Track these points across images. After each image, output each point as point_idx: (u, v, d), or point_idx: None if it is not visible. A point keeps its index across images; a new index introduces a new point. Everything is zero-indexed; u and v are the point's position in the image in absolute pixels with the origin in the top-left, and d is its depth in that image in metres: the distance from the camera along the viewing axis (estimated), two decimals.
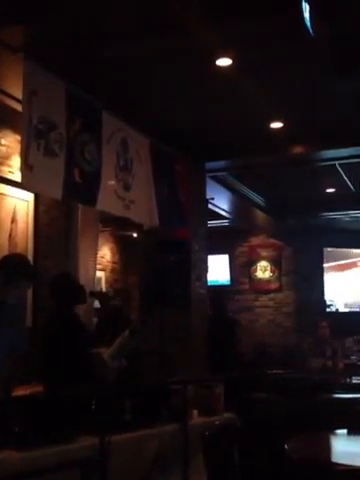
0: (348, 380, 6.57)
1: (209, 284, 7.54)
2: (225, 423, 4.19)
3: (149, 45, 4.65)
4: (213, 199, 8.70)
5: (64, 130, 4.45)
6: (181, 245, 6.31)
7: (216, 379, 4.76)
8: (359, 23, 4.43)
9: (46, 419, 3.19)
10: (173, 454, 3.74)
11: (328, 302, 11.41)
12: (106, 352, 4.39)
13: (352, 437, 3.77)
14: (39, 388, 3.84)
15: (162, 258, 5.64)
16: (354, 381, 6.49)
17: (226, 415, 4.39)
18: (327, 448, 3.66)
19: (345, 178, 8.40)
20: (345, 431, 3.83)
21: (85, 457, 3.11)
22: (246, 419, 4.29)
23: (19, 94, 4.30)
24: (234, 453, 3.52)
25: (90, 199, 4.85)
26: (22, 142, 4.09)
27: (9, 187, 5.18)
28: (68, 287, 4.27)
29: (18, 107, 4.46)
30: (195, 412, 4.24)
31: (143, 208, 5.56)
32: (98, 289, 7.12)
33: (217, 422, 4.13)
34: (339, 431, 3.85)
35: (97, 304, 4.91)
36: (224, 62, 4.96)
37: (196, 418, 4.19)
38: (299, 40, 4.61)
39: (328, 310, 11.32)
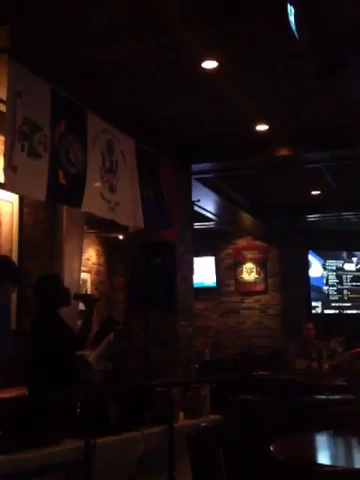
0: (333, 381, 6.58)
1: (195, 286, 7.55)
2: (211, 425, 4.19)
3: (134, 47, 4.66)
4: (199, 201, 8.70)
5: (49, 131, 4.42)
6: (167, 247, 6.31)
7: (202, 381, 4.75)
8: (341, 26, 4.46)
9: (31, 422, 3.17)
10: (159, 456, 3.73)
11: (313, 304, 11.47)
12: (91, 355, 4.38)
13: (337, 438, 3.78)
14: (23, 391, 3.81)
15: (148, 260, 5.63)
16: (339, 382, 6.51)
17: (212, 417, 4.39)
18: (312, 449, 3.65)
19: (330, 180, 8.44)
20: (330, 432, 3.83)
21: (70, 460, 3.09)
22: (232, 421, 4.29)
23: (3, 95, 4.27)
24: (220, 454, 3.50)
25: (75, 201, 4.82)
26: (6, 143, 4.06)
27: None
28: (52, 289, 4.24)
29: (2, 108, 4.43)
30: (181, 414, 4.24)
31: (128, 210, 5.54)
32: (83, 291, 7.10)
33: (203, 424, 4.12)
34: (324, 432, 3.85)
35: (82, 307, 4.88)
36: (210, 64, 4.97)
37: (182, 420, 4.19)
38: (284, 43, 4.64)
39: (313, 312, 11.37)
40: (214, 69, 5.02)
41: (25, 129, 4.17)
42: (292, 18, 4.31)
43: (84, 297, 4.80)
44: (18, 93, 4.15)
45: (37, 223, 5.72)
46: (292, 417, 4.73)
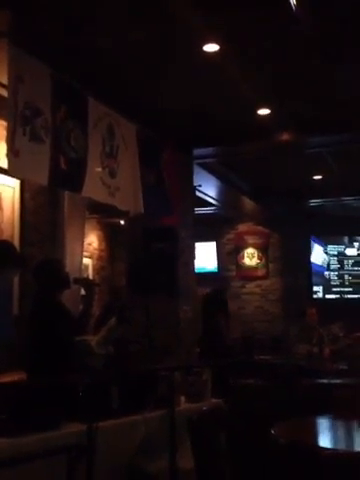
0: (334, 366, 6.61)
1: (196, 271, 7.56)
2: (212, 409, 4.21)
3: (136, 31, 4.63)
4: (200, 186, 8.69)
5: (50, 116, 4.42)
6: (168, 232, 6.31)
7: (203, 365, 4.77)
8: (345, 11, 4.44)
9: (33, 406, 3.19)
10: (160, 440, 3.74)
11: (314, 289, 11.49)
12: (93, 339, 4.39)
13: (338, 422, 3.81)
14: (24, 375, 3.84)
15: (149, 245, 5.63)
16: (340, 367, 6.53)
17: (213, 401, 4.41)
18: (313, 433, 3.68)
19: (332, 165, 8.41)
20: (331, 416, 3.86)
21: (72, 443, 3.11)
22: (233, 405, 4.31)
23: (5, 80, 4.25)
24: (221, 438, 3.53)
25: (76, 186, 4.82)
26: (8, 127, 4.05)
27: None
28: (52, 273, 4.24)
29: (4, 93, 4.41)
30: (182, 398, 4.25)
31: (128, 195, 5.53)
32: (84, 276, 7.10)
33: (204, 408, 4.14)
34: (325, 416, 3.88)
35: (83, 291, 4.89)
36: (211, 48, 4.94)
37: (183, 404, 4.21)
38: (287, 27, 4.62)
39: (314, 297, 11.39)
40: (216, 53, 4.99)
41: (27, 113, 4.17)
42: (294, 1, 4.29)
43: (84, 281, 4.80)
44: (19, 78, 4.14)
45: (38, 208, 5.71)
46: (293, 401, 4.75)
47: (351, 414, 3.82)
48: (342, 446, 3.47)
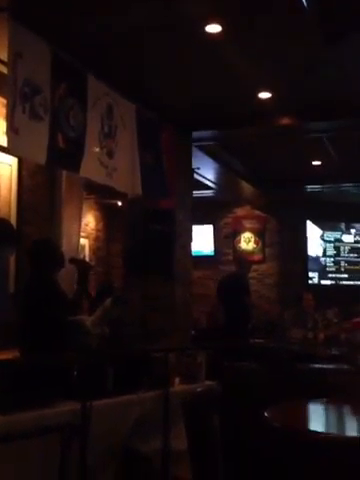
0: (328, 351, 6.64)
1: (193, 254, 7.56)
2: (206, 390, 4.22)
3: (137, 10, 4.57)
4: (199, 169, 8.66)
5: (49, 94, 4.38)
6: (166, 214, 6.29)
7: (198, 347, 4.79)
8: None
9: (28, 384, 3.19)
10: (154, 420, 3.77)
11: (310, 274, 11.50)
12: (88, 319, 4.39)
13: (331, 406, 3.83)
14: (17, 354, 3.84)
15: (147, 227, 5.62)
16: (333, 352, 6.56)
17: (207, 383, 4.43)
18: (306, 416, 3.70)
19: (331, 151, 8.38)
20: (324, 400, 3.88)
21: (66, 422, 3.12)
22: (227, 387, 4.32)
23: (5, 56, 4.20)
24: (215, 420, 3.54)
25: (73, 165, 4.79)
26: (7, 105, 4.02)
27: None
28: (47, 252, 4.23)
29: (4, 69, 4.36)
30: (177, 379, 4.27)
31: (126, 176, 5.50)
32: (81, 256, 7.10)
33: (198, 389, 4.16)
34: (318, 400, 3.90)
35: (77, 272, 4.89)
36: (214, 29, 4.88)
37: (177, 385, 4.23)
38: (290, 9, 4.56)
39: (310, 282, 11.41)
40: (218, 34, 4.93)
41: (26, 90, 4.13)
42: None
43: (79, 262, 4.80)
44: (19, 54, 4.10)
45: (36, 187, 5.69)
46: (287, 385, 4.77)
47: (344, 399, 3.84)
48: (334, 430, 3.49)
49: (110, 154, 5.23)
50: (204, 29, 4.86)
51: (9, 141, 4.00)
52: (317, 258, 11.76)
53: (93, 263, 9.29)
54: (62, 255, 4.41)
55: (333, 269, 11.92)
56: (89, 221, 10.06)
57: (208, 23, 4.80)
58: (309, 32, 4.94)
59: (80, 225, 6.09)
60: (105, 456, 3.50)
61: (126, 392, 3.77)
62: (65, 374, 3.48)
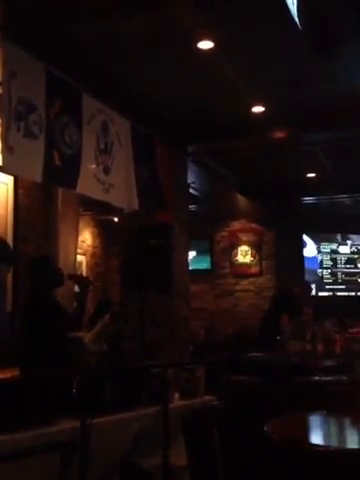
0: (327, 362, 6.62)
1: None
2: (206, 405, 4.21)
3: (130, 27, 4.61)
4: (194, 183, 8.69)
5: (44, 112, 4.39)
6: (163, 229, 6.29)
7: (197, 362, 4.78)
8: (337, 8, 4.43)
9: (26, 402, 3.18)
10: (153, 436, 3.75)
11: None
12: (86, 336, 4.38)
13: (331, 419, 3.82)
14: (17, 372, 3.83)
15: (143, 241, 5.62)
16: (332, 364, 6.55)
17: (207, 398, 4.41)
18: (306, 429, 3.69)
19: (326, 163, 8.43)
20: (324, 413, 3.87)
21: (65, 440, 3.10)
22: (227, 401, 4.31)
23: None
24: (214, 435, 3.53)
25: (70, 182, 4.80)
26: (2, 124, 4.03)
27: None
28: (45, 269, 4.24)
29: None
30: (176, 395, 4.25)
31: (123, 192, 5.52)
32: (78, 273, 7.10)
33: (198, 404, 4.15)
34: (318, 412, 3.89)
35: (77, 288, 4.89)
36: (206, 45, 4.93)
37: (177, 401, 4.21)
38: (281, 24, 4.61)
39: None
40: (210, 50, 4.98)
41: (20, 109, 4.15)
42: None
43: (78, 278, 4.80)
44: (12, 73, 4.12)
45: (32, 204, 5.70)
46: (286, 398, 4.76)
47: (344, 411, 3.83)
48: (334, 443, 3.48)
49: (106, 170, 5.25)
50: (196, 45, 4.91)
51: (4, 160, 4.01)
52: (314, 270, 11.78)
53: (91, 279, 9.28)
54: (61, 272, 4.42)
55: (330, 280, 11.94)
56: (86, 238, 10.07)
57: (201, 39, 4.85)
58: (301, 45, 4.99)
59: (77, 242, 6.09)
60: (105, 473, 3.48)
61: (125, 408, 3.76)
62: (64, 391, 3.47)
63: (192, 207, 8.92)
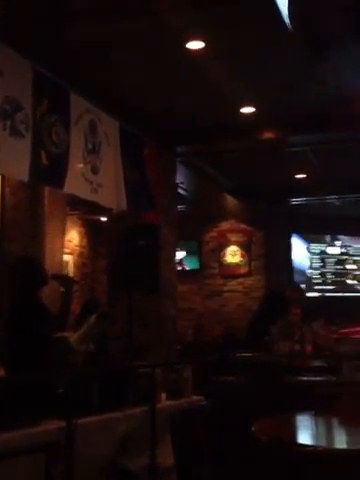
0: (315, 363, 6.62)
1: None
2: (193, 406, 4.20)
3: (119, 26, 4.59)
4: (183, 183, 8.67)
5: (30, 111, 4.37)
6: (150, 229, 6.27)
7: (184, 362, 4.76)
8: (327, 11, 4.44)
9: (11, 402, 3.15)
10: (141, 437, 3.73)
11: None
12: (73, 336, 4.35)
13: (319, 419, 3.81)
14: (2, 372, 3.79)
15: (131, 241, 5.60)
16: (321, 364, 6.55)
17: (194, 398, 4.40)
18: (294, 430, 3.68)
19: (315, 164, 8.44)
20: (312, 413, 3.87)
21: (50, 441, 3.08)
22: (214, 402, 4.30)
23: None
24: (202, 435, 3.53)
25: (57, 182, 4.78)
26: None
27: None
28: (29, 270, 4.22)
29: None
30: (163, 395, 4.23)
31: (111, 192, 5.50)
32: (64, 273, 7.07)
33: (185, 405, 4.13)
34: (306, 413, 3.88)
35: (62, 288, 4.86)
36: (195, 45, 4.91)
37: (164, 401, 4.19)
38: (272, 26, 4.61)
39: None
40: (200, 50, 4.96)
41: (7, 108, 4.12)
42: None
43: (62, 278, 4.78)
44: None
45: (19, 204, 5.66)
46: (274, 398, 4.76)
47: (332, 411, 3.83)
48: (322, 443, 3.47)
49: (94, 170, 5.23)
50: (185, 45, 4.89)
51: None
52: (303, 270, 11.80)
53: (77, 279, 9.25)
54: (46, 272, 4.39)
55: (319, 281, 11.97)
56: (73, 237, 10.03)
57: (190, 40, 4.83)
58: (291, 47, 4.99)
59: (63, 241, 6.07)
60: (91, 474, 3.45)
61: (112, 409, 3.73)
62: (50, 392, 3.44)
63: (181, 207, 8.90)
